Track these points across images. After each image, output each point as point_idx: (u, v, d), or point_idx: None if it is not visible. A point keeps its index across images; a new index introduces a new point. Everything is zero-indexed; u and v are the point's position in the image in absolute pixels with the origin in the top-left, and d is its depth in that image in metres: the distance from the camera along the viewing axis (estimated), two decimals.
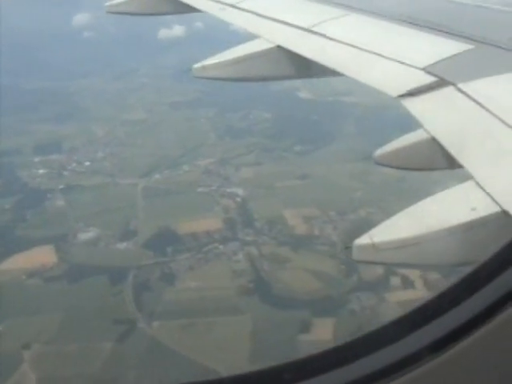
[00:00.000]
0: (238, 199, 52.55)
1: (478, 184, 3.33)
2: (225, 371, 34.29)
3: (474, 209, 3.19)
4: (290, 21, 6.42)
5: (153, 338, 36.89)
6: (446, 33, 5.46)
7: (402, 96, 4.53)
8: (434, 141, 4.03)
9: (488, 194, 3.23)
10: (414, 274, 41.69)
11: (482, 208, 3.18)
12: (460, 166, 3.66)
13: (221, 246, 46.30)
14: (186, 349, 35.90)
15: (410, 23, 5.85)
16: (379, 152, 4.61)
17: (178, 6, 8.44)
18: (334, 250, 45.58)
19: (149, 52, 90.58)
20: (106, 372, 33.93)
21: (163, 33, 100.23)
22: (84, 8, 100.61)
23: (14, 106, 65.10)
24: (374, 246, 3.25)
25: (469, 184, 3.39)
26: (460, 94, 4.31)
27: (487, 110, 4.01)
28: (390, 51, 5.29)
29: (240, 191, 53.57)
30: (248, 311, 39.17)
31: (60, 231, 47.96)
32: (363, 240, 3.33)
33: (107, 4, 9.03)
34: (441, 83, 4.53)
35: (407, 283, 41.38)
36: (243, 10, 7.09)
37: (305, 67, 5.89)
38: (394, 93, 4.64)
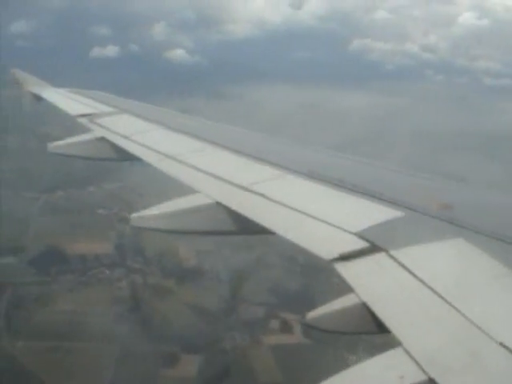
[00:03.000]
0: None
1: (406, 351, 3.35)
2: None
3: (401, 377, 3.18)
4: (229, 178, 6.48)
5: (13, 358, 35.94)
6: (378, 199, 5.59)
7: (335, 260, 4.54)
8: (364, 306, 4.04)
9: (415, 361, 3.25)
10: (293, 319, 41.91)
11: (410, 376, 3.17)
12: (389, 332, 3.65)
13: (107, 271, 45.81)
14: (44, 372, 35.12)
15: (343, 187, 5.98)
16: (311, 314, 4.45)
17: (118, 152, 8.36)
18: (220, 286, 45.64)
19: None
20: None
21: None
22: None
23: None
24: None
25: (397, 351, 3.39)
26: (391, 260, 4.39)
27: (416, 277, 4.09)
28: (324, 214, 5.38)
29: None
30: (118, 340, 38.58)
31: None
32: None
33: (50, 145, 8.78)
34: (373, 249, 4.59)
35: (286, 327, 41.48)
36: (183, 163, 7.13)
37: (243, 224, 5.87)
38: (327, 256, 4.62)
